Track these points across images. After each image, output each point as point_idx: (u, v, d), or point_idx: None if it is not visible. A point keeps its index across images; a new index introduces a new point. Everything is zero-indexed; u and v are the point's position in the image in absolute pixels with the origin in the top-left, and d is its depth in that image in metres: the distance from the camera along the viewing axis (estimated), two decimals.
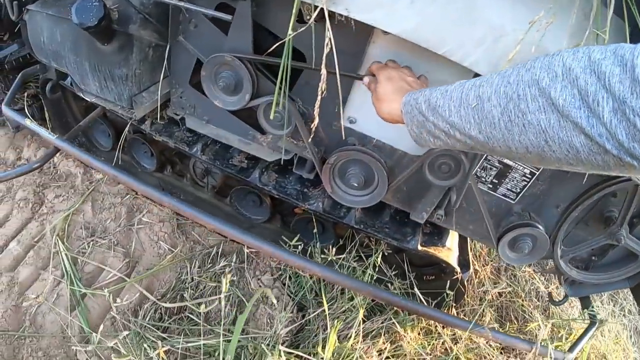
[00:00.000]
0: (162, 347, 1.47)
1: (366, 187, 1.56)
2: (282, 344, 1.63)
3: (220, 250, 2.05)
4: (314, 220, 1.94)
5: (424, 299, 1.86)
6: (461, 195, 1.51)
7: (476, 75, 1.16)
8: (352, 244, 2.00)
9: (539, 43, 1.03)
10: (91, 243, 2.04)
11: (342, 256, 1.90)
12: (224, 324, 1.73)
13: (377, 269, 1.93)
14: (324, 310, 1.69)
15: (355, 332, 1.68)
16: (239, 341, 1.59)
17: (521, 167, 1.47)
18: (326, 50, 1.10)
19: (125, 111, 1.67)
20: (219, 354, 1.58)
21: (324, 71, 1.13)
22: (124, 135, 1.92)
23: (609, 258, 1.74)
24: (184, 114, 1.74)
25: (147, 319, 1.81)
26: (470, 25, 1.11)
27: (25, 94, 2.11)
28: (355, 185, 1.53)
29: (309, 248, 1.99)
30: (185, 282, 1.94)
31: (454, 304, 2.04)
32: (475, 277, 2.45)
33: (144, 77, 1.60)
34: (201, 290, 1.92)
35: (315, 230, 1.95)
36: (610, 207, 1.56)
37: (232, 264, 1.99)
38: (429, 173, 1.47)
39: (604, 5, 0.97)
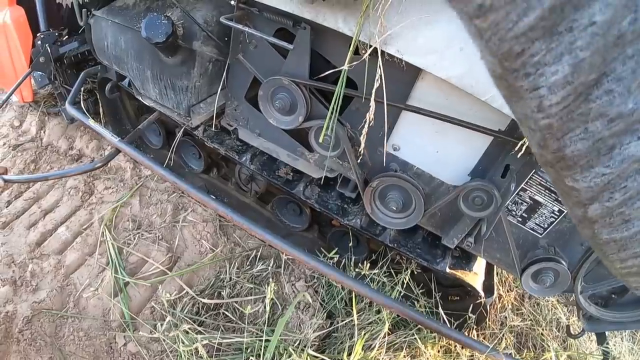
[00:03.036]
0: (201, 340, 1.63)
1: (403, 210, 1.67)
2: (310, 348, 1.77)
3: (259, 253, 2.19)
4: (350, 234, 2.07)
5: (447, 318, 1.97)
6: (491, 227, 1.58)
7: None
8: (384, 259, 2.12)
9: None
10: (137, 235, 2.21)
11: (375, 271, 2.01)
12: (257, 324, 1.89)
13: (404, 286, 2.05)
14: (352, 320, 1.83)
15: (380, 344, 1.80)
16: (268, 341, 1.74)
17: (550, 204, 1.54)
18: (376, 85, 1.23)
19: (182, 118, 1.82)
20: (250, 351, 1.73)
21: (372, 103, 1.25)
22: (177, 138, 2.08)
23: (628, 298, 1.76)
24: (237, 125, 1.88)
25: (185, 311, 1.97)
26: None
27: (82, 89, 2.28)
28: (394, 208, 1.65)
29: (343, 260, 2.12)
30: (224, 281, 2.09)
31: (475, 326, 2.14)
32: (499, 302, 2.54)
33: (202, 89, 1.74)
34: (238, 290, 2.07)
35: (350, 244, 2.08)
36: None
37: (269, 267, 2.13)
38: (463, 204, 1.56)
39: None
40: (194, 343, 1.65)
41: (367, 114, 1.34)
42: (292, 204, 2.22)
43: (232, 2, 1.49)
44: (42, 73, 2.17)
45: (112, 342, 1.90)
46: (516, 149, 1.29)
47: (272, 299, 1.87)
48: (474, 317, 2.02)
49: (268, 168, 1.98)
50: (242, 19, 1.56)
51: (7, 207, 2.26)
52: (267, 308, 1.70)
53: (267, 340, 1.74)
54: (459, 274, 1.94)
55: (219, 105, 1.80)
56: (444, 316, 1.96)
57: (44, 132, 2.61)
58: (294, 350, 1.73)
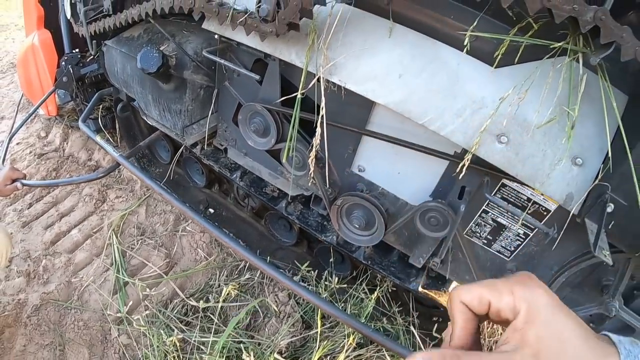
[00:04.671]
0: (177, 334, 1.86)
1: (368, 228, 1.83)
2: (280, 353, 1.97)
3: (247, 264, 2.43)
4: (331, 250, 2.26)
5: (423, 337, 2.11)
6: (446, 247, 1.70)
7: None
8: (365, 276, 2.29)
9: (513, 115, 1.23)
10: (140, 241, 2.49)
11: (347, 285, 2.19)
12: (237, 328, 2.10)
13: (380, 303, 2.21)
14: (325, 331, 2.01)
15: (346, 356, 1.97)
16: (243, 343, 1.95)
17: (515, 228, 1.61)
18: (322, 112, 1.41)
19: (179, 137, 2.08)
20: (227, 351, 1.95)
21: (318, 127, 1.45)
22: (178, 155, 2.34)
23: (606, 327, 1.77)
24: (227, 145, 2.12)
25: (175, 311, 2.21)
26: (451, 98, 1.29)
27: (101, 107, 2.61)
28: (357, 226, 1.83)
29: (324, 274, 2.31)
30: (213, 287, 2.33)
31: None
32: (488, 326, 2.65)
33: (195, 112, 1.99)
34: (224, 296, 2.30)
35: (331, 260, 2.27)
36: (608, 275, 1.60)
37: (256, 278, 2.35)
38: (419, 224, 1.69)
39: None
40: (170, 337, 1.89)
41: (334, 136, 1.56)
42: (282, 220, 2.43)
43: (216, 37, 1.74)
44: (65, 91, 2.51)
45: (107, 333, 2.15)
46: (457, 170, 1.37)
47: (250, 305, 2.10)
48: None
49: (256, 185, 2.21)
50: (225, 51, 1.81)
51: (28, 208, 2.60)
52: (220, 305, 1.89)
53: (240, 342, 1.96)
54: (433, 294, 2.07)
55: (210, 127, 2.05)
56: (415, 333, 2.10)
57: (67, 144, 2.97)
58: (263, 352, 1.93)
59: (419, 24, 1.33)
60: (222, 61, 1.74)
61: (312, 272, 2.26)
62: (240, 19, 1.43)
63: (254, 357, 1.93)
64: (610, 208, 1.24)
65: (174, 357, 1.92)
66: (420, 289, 2.03)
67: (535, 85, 1.18)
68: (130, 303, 2.24)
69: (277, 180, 2.04)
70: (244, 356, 1.77)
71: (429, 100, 1.31)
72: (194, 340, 1.99)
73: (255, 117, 1.80)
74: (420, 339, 2.15)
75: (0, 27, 5.28)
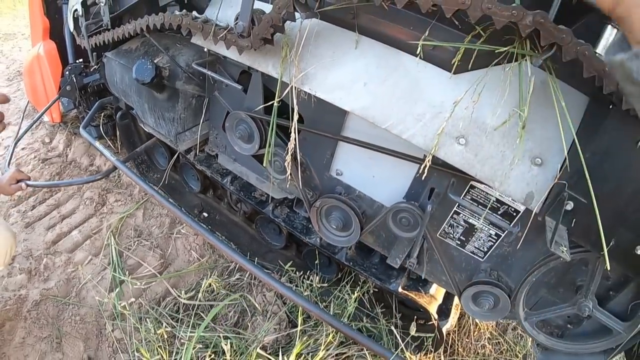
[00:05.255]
0: (165, 327, 2.03)
1: (345, 229, 1.98)
2: (264, 349, 2.11)
3: (237, 265, 2.59)
4: (316, 252, 2.41)
5: (403, 336, 2.23)
6: (416, 247, 1.84)
7: None
8: (349, 278, 2.44)
9: (470, 118, 1.32)
10: (136, 242, 2.67)
11: (332, 287, 2.33)
12: (226, 325, 2.26)
13: (364, 304, 2.35)
14: (307, 329, 2.16)
15: (327, 353, 2.10)
16: (228, 338, 2.11)
17: (486, 228, 1.66)
18: (294, 119, 1.57)
19: (173, 144, 2.26)
20: (214, 346, 2.10)
21: (292, 135, 1.61)
22: (172, 160, 2.53)
23: (583, 328, 1.80)
24: (217, 151, 2.30)
25: (167, 309, 2.37)
26: (412, 103, 1.40)
27: (102, 114, 2.80)
28: (335, 227, 1.98)
29: (310, 276, 2.45)
30: (204, 287, 2.49)
31: (433, 350, 2.34)
32: (476, 330, 2.76)
33: (187, 119, 2.17)
34: (214, 295, 2.46)
35: (317, 262, 2.43)
36: (582, 276, 1.66)
37: (245, 278, 2.51)
38: (392, 224, 1.82)
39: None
40: (158, 329, 2.05)
41: (315, 140, 1.75)
42: (272, 224, 2.59)
43: (205, 50, 1.92)
44: (69, 99, 2.71)
45: (102, 328, 2.31)
46: (420, 171, 1.47)
47: (238, 304, 2.26)
48: (430, 339, 2.25)
49: (245, 189, 2.37)
50: (214, 63, 1.99)
51: (31, 210, 2.80)
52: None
53: (226, 337, 2.12)
54: (413, 295, 2.19)
55: (202, 134, 2.23)
56: (397, 334, 2.23)
57: (70, 149, 3.18)
58: (247, 347, 2.09)
59: (383, 36, 1.46)
60: (210, 73, 1.92)
61: (297, 272, 2.41)
62: (221, 35, 1.60)
63: (238, 351, 2.09)
64: (569, 206, 1.32)
65: (162, 349, 2.07)
66: (400, 289, 2.14)
67: (492, 88, 1.29)
68: (126, 300, 2.41)
69: (264, 184, 2.21)
70: (223, 344, 1.92)
71: (392, 106, 1.44)
72: (181, 334, 2.14)
73: (241, 125, 1.97)
74: (401, 340, 2.28)
75: (7, 36, 5.53)
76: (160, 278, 2.50)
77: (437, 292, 2.31)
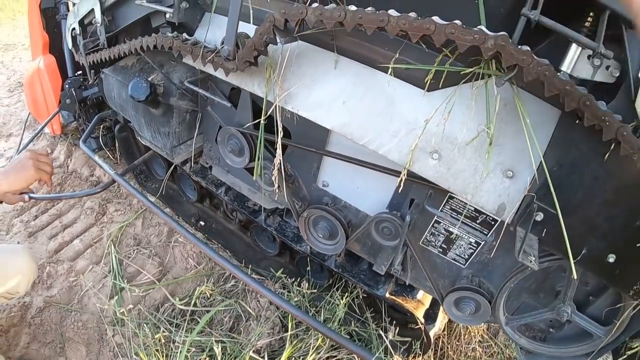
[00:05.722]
0: (162, 332, 2.17)
1: (332, 238, 2.10)
2: (258, 352, 2.24)
3: (231, 273, 2.72)
4: (308, 259, 2.54)
5: (393, 341, 2.35)
6: (397, 255, 1.94)
7: None
8: (340, 284, 2.57)
9: (442, 134, 1.42)
10: (136, 250, 2.81)
11: (324, 293, 2.46)
12: (221, 329, 2.40)
13: (356, 310, 2.48)
14: (299, 333, 2.29)
15: (318, 357, 2.22)
16: (223, 342, 2.24)
17: (466, 236, 1.75)
18: (280, 135, 1.68)
19: (169, 156, 2.39)
20: (209, 350, 2.24)
21: (278, 150, 1.73)
22: (169, 171, 2.68)
23: (565, 332, 1.88)
24: (211, 163, 2.44)
25: (165, 314, 2.51)
26: (388, 120, 1.49)
27: (102, 127, 2.95)
28: (321, 236, 2.11)
29: (302, 283, 2.58)
30: (200, 293, 2.63)
31: (421, 354, 2.44)
32: (467, 333, 2.87)
33: (182, 133, 2.30)
34: (211, 301, 2.60)
35: (308, 268, 2.56)
36: (561, 281, 1.71)
37: (240, 285, 2.65)
38: (375, 233, 1.95)
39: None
40: (156, 334, 2.19)
41: (302, 154, 1.89)
42: (266, 232, 2.72)
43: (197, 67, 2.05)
44: (69, 112, 2.85)
45: (103, 333, 2.44)
46: (398, 184, 1.54)
47: (233, 309, 2.39)
48: (417, 343, 2.37)
49: (239, 200, 2.51)
50: (206, 80, 2.12)
51: (34, 220, 2.95)
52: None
53: (220, 341, 2.25)
54: (400, 300, 2.31)
55: (197, 147, 2.37)
56: (385, 337, 2.35)
57: (71, 160, 3.33)
58: (240, 350, 2.22)
59: (360, 56, 1.54)
60: (201, 91, 2.05)
61: (288, 278, 2.54)
62: (209, 58, 1.73)
63: (232, 354, 2.22)
64: (539, 217, 1.39)
65: (159, 353, 2.21)
66: (387, 295, 2.25)
67: (463, 105, 1.38)
68: (126, 307, 2.55)
69: (255, 195, 2.34)
70: (214, 346, 2.06)
71: (368, 123, 1.54)
72: (177, 338, 2.27)
73: (232, 139, 2.10)
74: (391, 345, 2.40)
75: (7, 47, 5.67)
76: (158, 285, 2.64)
77: (424, 297, 2.40)
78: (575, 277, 1.44)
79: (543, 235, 1.43)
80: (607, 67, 1.23)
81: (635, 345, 1.67)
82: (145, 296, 2.63)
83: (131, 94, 2.06)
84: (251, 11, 1.62)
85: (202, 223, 2.92)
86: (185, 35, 1.88)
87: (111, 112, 2.74)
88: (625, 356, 1.70)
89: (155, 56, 2.21)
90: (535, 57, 1.12)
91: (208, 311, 2.51)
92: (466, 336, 2.83)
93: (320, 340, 2.22)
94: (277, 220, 2.46)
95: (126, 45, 2.14)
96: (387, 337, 2.33)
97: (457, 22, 1.17)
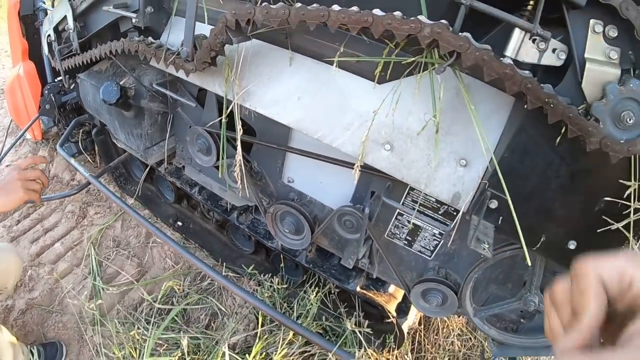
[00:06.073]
0: (137, 328, 2.25)
1: (298, 233, 2.19)
2: (233, 349, 2.33)
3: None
4: (281, 256, 2.62)
5: (369, 335, 2.43)
6: (362, 248, 2.01)
7: None
8: (314, 279, 2.65)
9: (392, 125, 1.45)
10: (115, 252, 2.90)
11: (286, 287, 2.55)
12: (198, 327, 2.48)
13: (331, 305, 2.56)
14: (272, 329, 2.38)
15: (288, 351, 2.31)
16: (198, 338, 2.33)
17: (430, 228, 1.78)
18: (240, 133, 1.76)
19: (143, 158, 2.49)
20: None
21: (239, 148, 1.82)
22: (145, 173, 2.78)
23: (536, 322, 1.89)
24: (184, 163, 2.53)
25: (143, 314, 2.60)
26: (341, 114, 1.53)
27: (81, 131, 3.05)
28: (286, 231, 2.19)
29: (277, 279, 2.67)
30: (178, 292, 2.72)
31: (396, 347, 2.48)
32: (444, 327, 2.94)
33: (154, 135, 2.39)
34: (187, 299, 2.69)
35: (282, 265, 2.65)
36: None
37: (216, 283, 2.73)
38: (338, 227, 2.03)
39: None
40: (130, 331, 2.28)
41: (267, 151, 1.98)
42: (242, 230, 2.81)
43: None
44: (49, 117, 2.95)
45: (83, 333, 2.53)
46: (353, 172, 1.56)
47: (210, 307, 2.48)
48: (391, 337, 2.43)
49: (212, 199, 2.59)
50: (174, 82, 2.22)
51: (16, 225, 3.06)
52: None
53: (195, 338, 2.34)
54: (371, 294, 2.37)
55: (169, 148, 2.46)
56: (357, 332, 2.43)
57: (52, 165, 3.44)
58: (214, 346, 2.31)
59: (313, 52, 1.58)
60: (168, 92, 2.15)
61: (264, 275, 2.63)
62: (170, 59, 1.82)
63: (206, 350, 2.31)
64: (493, 204, 1.41)
65: (133, 349, 2.29)
66: (358, 289, 2.32)
67: (412, 95, 1.39)
68: (105, 307, 2.64)
69: (225, 193, 2.43)
70: (183, 343, 2.14)
71: (322, 118, 1.59)
72: (151, 335, 2.36)
73: (199, 139, 2.19)
74: (365, 339, 2.48)
75: None
76: (137, 285, 2.73)
77: (396, 291, 2.46)
78: (530, 265, 1.44)
79: (499, 223, 1.45)
80: (554, 50, 1.23)
81: None
82: (124, 296, 2.71)
83: (102, 97, 2.15)
84: (205, 12, 1.71)
85: (179, 223, 3.01)
86: (150, 38, 1.96)
87: (88, 116, 2.83)
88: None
89: (127, 60, 2.30)
90: (473, 42, 1.14)
91: (185, 309, 2.60)
92: (444, 330, 2.90)
93: (291, 335, 2.30)
94: (249, 217, 2.54)
95: (97, 50, 2.23)
96: (359, 332, 2.41)
97: (397, 13, 1.21)
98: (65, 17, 2.36)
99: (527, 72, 1.16)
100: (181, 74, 1.89)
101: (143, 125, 2.34)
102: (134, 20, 2.02)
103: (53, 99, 2.85)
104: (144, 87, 2.23)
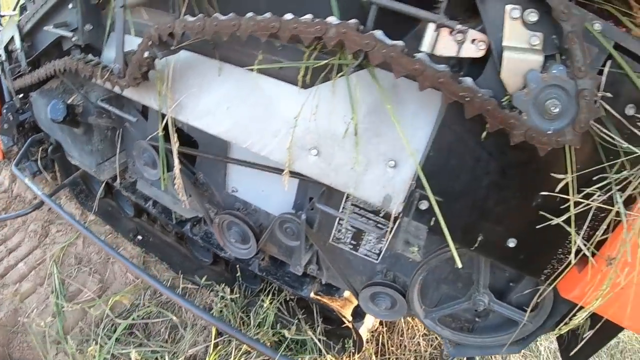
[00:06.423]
0: (94, 344, 2.31)
1: (245, 242, 2.24)
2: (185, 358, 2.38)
3: (169, 284, 2.87)
4: (237, 266, 2.67)
5: (326, 340, 2.49)
6: (303, 254, 2.05)
7: None
8: (270, 287, 2.70)
9: (317, 130, 1.48)
10: (77, 269, 2.96)
11: (232, 295, 2.60)
12: (158, 341, 2.53)
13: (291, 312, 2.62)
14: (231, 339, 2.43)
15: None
16: (157, 351, 2.38)
17: (373, 231, 1.79)
18: (177, 145, 1.84)
19: (96, 174, 2.55)
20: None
21: (175, 160, 1.89)
22: (101, 189, 2.85)
23: (491, 321, 1.91)
24: (136, 177, 2.59)
25: (105, 330, 2.64)
26: (268, 122, 1.56)
27: (40, 149, 3.10)
28: (235, 240, 2.25)
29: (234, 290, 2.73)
30: (139, 306, 2.77)
31: (355, 351, 2.56)
32: (409, 329, 2.99)
33: (105, 151, 2.45)
34: (148, 314, 2.74)
35: (238, 274, 2.70)
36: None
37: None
38: (279, 234, 2.08)
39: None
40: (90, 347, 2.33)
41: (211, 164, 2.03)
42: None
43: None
44: (8, 136, 3.01)
45: (47, 353, 2.58)
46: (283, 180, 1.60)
47: (169, 320, 2.53)
48: (350, 341, 2.50)
49: (166, 212, 2.65)
50: (120, 97, 2.27)
51: None
52: None
53: (154, 351, 2.39)
54: (326, 299, 2.42)
55: (121, 163, 2.52)
56: (314, 338, 2.48)
57: (15, 185, 3.50)
58: (172, 358, 2.36)
59: (240, 61, 1.61)
60: (110, 108, 2.21)
61: (222, 285, 2.68)
62: (105, 76, 1.89)
63: None
64: (423, 205, 1.42)
65: None
66: (312, 295, 2.37)
67: (337, 98, 1.42)
68: (67, 325, 2.69)
69: (176, 205, 2.49)
70: (132, 354, 2.19)
71: (250, 126, 1.63)
72: (114, 351, 2.42)
73: (145, 152, 2.25)
74: (324, 344, 2.53)
75: None
76: (98, 302, 2.78)
77: (352, 295, 2.49)
78: (460, 265, 1.39)
79: (432, 224, 1.45)
80: (473, 41, 1.18)
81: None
82: (86, 313, 2.76)
83: (50, 116, 2.20)
84: (132, 28, 1.77)
85: (139, 237, 3.07)
86: (90, 56, 2.03)
87: (44, 134, 2.89)
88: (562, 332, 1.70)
89: (76, 77, 2.36)
90: (382, 40, 1.15)
91: (146, 324, 2.66)
92: (409, 331, 2.97)
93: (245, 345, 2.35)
94: (202, 229, 2.59)
95: (42, 70, 2.30)
96: (317, 338, 2.46)
97: (307, 16, 1.24)
98: (13, 37, 2.43)
99: (442, 66, 1.15)
100: (117, 90, 1.94)
101: (93, 141, 2.40)
102: (74, 39, 2.08)
103: (11, 118, 2.90)
104: (92, 104, 2.29)
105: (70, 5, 2.05)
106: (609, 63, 1.11)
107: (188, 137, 2.07)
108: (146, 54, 1.65)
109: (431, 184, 1.35)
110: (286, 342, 2.59)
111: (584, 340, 1.64)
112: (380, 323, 2.91)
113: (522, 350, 3.05)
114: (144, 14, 1.84)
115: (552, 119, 1.11)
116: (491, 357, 2.96)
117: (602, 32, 1.07)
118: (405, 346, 2.92)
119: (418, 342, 2.94)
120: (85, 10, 2.03)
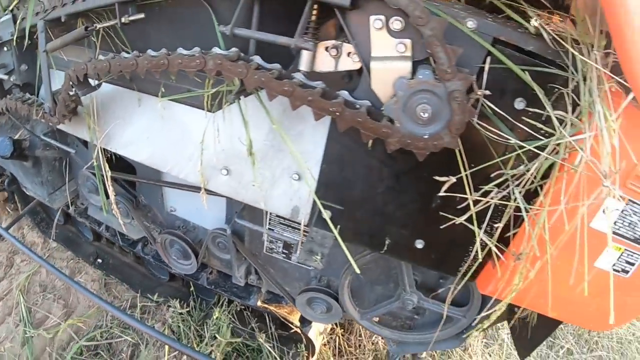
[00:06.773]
0: None
1: (186, 259, 2.39)
2: None
3: (129, 303, 3.05)
4: (190, 282, 2.85)
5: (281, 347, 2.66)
6: (236, 266, 2.22)
7: None
8: (223, 299, 2.88)
9: (223, 151, 1.60)
10: (42, 296, 3.12)
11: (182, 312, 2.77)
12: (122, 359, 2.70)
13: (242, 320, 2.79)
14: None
15: None
16: None
17: (298, 240, 1.87)
18: (108, 174, 2.00)
19: (49, 203, 2.71)
20: None
21: (109, 186, 2.06)
22: (57, 216, 3.03)
23: (429, 317, 2.00)
24: (87, 204, 2.77)
25: (72, 353, 2.81)
26: (183, 146, 1.67)
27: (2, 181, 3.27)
28: (176, 258, 2.41)
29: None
30: (102, 327, 2.94)
31: (309, 355, 2.68)
32: (366, 330, 3.14)
33: (55, 181, 2.62)
34: (111, 334, 2.91)
35: (192, 289, 2.88)
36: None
37: (137, 315, 2.96)
38: (214, 249, 2.26)
39: None
40: None
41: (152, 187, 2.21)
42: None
43: None
44: None
45: None
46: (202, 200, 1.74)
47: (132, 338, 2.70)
48: (302, 346, 2.64)
49: (119, 234, 2.83)
50: (59, 130, 2.46)
51: None
52: None
53: None
54: (273, 307, 2.57)
55: (71, 191, 2.70)
56: (265, 345, 2.65)
57: None
58: None
59: (155, 91, 1.69)
60: (52, 141, 2.38)
61: (179, 301, 2.87)
62: (40, 114, 2.05)
63: None
64: (327, 214, 1.48)
65: None
66: (259, 304, 2.53)
67: (234, 121, 1.54)
68: (37, 352, 2.85)
69: (123, 228, 2.66)
70: None
71: (168, 152, 1.75)
72: None
73: (87, 180, 2.42)
74: (279, 350, 2.70)
75: None
76: (64, 326, 2.94)
77: None
78: (358, 271, 1.52)
79: (339, 231, 1.50)
80: (349, 54, 1.24)
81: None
82: (53, 338, 2.93)
83: None
84: (54, 66, 1.95)
85: (99, 261, 3.24)
86: (27, 94, 2.19)
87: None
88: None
89: (22, 111, 2.53)
90: (253, 66, 1.24)
91: (110, 343, 2.83)
92: (367, 331, 3.09)
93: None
94: (153, 248, 2.75)
95: None
96: (270, 346, 2.63)
97: (194, 49, 1.37)
98: None
99: (318, 82, 1.23)
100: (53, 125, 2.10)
101: (42, 172, 2.58)
102: (11, 79, 2.25)
103: None
104: (37, 137, 2.46)
105: (5, 49, 2.21)
106: (489, 59, 1.13)
107: (129, 163, 2.21)
108: (70, 93, 1.81)
109: (331, 194, 1.46)
110: (242, 352, 2.76)
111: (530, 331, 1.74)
112: (336, 325, 3.05)
113: (484, 340, 3.26)
114: (63, 55, 2.01)
115: (426, 124, 1.14)
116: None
117: (476, 30, 1.10)
118: (364, 346, 3.08)
119: (376, 341, 3.10)
120: (19, 52, 2.19)
